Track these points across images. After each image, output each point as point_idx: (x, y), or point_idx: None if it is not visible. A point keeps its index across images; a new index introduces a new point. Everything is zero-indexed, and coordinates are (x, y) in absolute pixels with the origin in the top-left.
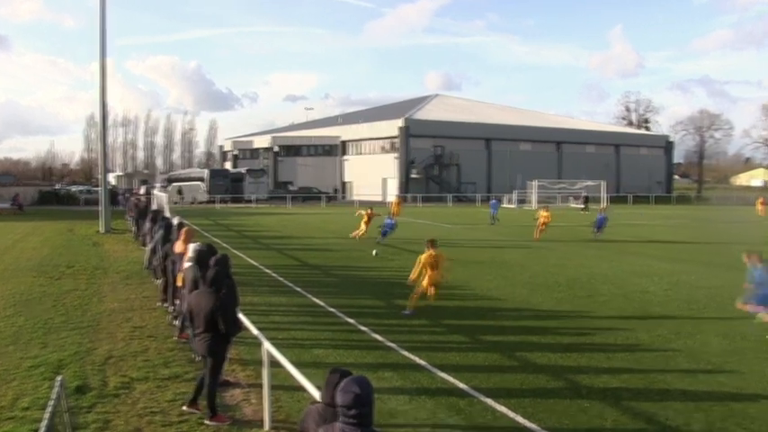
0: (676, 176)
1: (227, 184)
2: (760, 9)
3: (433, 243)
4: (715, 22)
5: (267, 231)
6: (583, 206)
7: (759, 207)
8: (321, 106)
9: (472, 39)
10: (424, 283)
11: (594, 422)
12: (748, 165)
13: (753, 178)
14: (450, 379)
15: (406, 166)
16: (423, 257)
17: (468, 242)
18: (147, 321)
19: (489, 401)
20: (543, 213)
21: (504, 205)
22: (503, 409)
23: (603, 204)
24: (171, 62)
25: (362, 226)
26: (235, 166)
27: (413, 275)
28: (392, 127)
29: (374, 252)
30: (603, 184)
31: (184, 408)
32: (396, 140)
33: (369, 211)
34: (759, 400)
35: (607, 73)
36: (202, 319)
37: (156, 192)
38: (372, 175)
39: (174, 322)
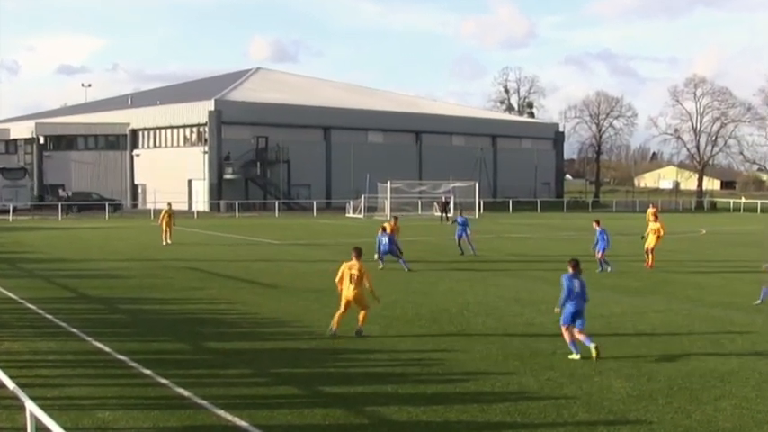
0: (568, 176)
1: None
2: None
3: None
4: None
5: (30, 253)
6: (441, 213)
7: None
8: (106, 81)
9: None
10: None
11: None
12: (655, 162)
13: (662, 179)
14: None
15: (219, 163)
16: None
17: (301, 263)
18: None
19: None
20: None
21: (349, 215)
22: None
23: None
24: None
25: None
26: None
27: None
28: (200, 111)
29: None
30: (476, 185)
31: None
32: (204, 129)
33: (392, 223)
34: None
35: (487, 43)
36: None
37: None
38: (173, 176)
39: None
